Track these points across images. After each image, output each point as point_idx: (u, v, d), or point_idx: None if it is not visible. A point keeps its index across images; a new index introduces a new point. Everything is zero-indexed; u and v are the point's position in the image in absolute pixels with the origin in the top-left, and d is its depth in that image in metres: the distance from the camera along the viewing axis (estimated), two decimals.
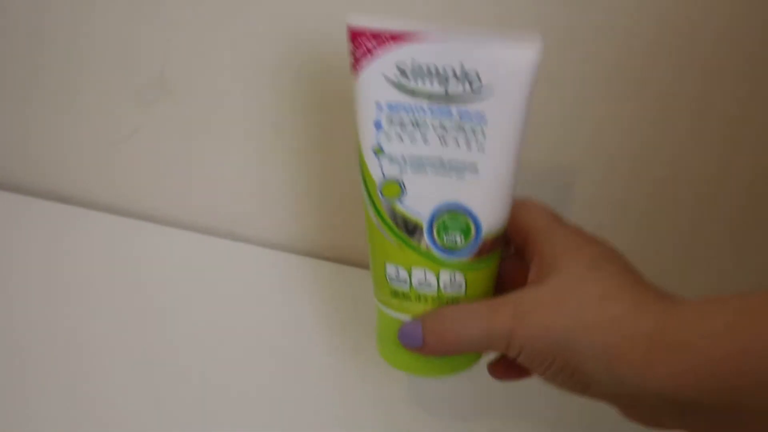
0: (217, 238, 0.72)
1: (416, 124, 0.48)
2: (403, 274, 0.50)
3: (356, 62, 0.47)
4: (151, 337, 0.60)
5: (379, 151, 0.48)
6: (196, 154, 0.69)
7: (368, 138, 0.48)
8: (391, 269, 0.50)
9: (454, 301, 0.50)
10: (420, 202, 0.49)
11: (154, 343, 0.59)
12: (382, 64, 0.47)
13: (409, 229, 0.49)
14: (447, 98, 0.47)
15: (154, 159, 0.70)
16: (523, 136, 0.48)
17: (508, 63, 0.45)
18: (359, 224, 0.50)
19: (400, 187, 0.49)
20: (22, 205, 0.69)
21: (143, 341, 0.60)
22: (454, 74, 0.46)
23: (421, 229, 0.49)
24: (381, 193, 0.49)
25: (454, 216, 0.48)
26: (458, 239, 0.49)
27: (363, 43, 0.47)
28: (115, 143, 0.68)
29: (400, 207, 0.49)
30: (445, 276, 0.49)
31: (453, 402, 0.63)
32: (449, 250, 0.49)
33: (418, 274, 0.49)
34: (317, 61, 0.63)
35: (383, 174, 0.49)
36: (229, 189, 0.71)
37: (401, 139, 0.48)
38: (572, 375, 0.44)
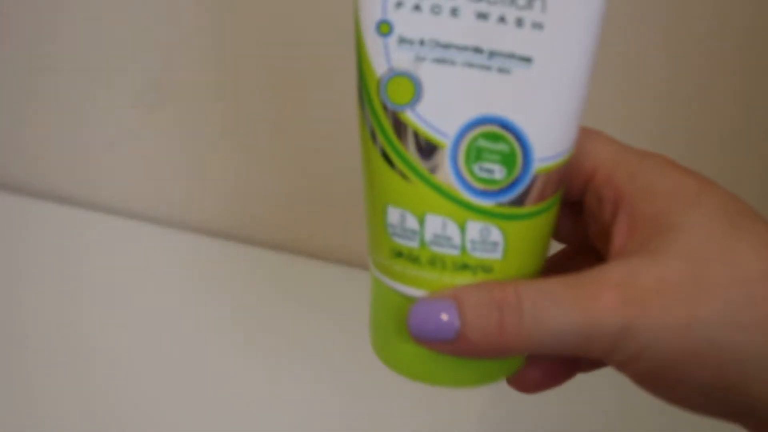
0: (217, 238, 0.72)
1: None
2: (412, 222, 0.33)
3: None
4: (149, 337, 0.60)
5: (385, 29, 0.32)
6: (195, 155, 0.70)
7: (370, 7, 0.32)
8: (393, 215, 0.33)
9: (484, 270, 0.32)
10: (442, 111, 0.32)
11: (151, 343, 0.60)
12: None
13: (424, 151, 0.32)
14: None
15: (155, 159, 0.70)
16: (605, 12, 0.31)
17: None
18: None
19: (414, 87, 0.32)
20: (21, 206, 0.71)
21: (141, 341, 0.60)
22: None
23: (443, 152, 0.32)
24: (385, 95, 0.32)
25: (492, 135, 0.32)
26: (497, 171, 0.32)
27: None
28: (110, 146, 0.70)
29: (411, 118, 0.32)
30: (474, 228, 0.32)
31: (461, 403, 0.58)
32: (483, 188, 0.32)
33: (433, 224, 0.33)
34: (318, 60, 0.63)
35: (389, 65, 0.32)
36: (230, 189, 0.71)
37: (419, 10, 0.31)
38: (725, 396, 0.29)
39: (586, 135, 0.33)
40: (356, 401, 0.58)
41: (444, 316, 0.31)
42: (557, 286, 0.30)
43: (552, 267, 0.35)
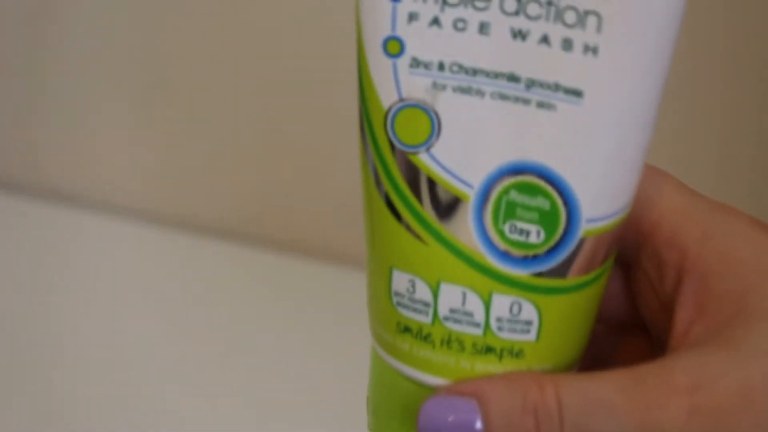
0: (218, 238, 0.71)
1: None
2: (423, 291, 0.26)
3: None
4: (149, 337, 0.60)
5: (394, 48, 0.25)
6: (197, 154, 0.69)
7: (376, 21, 0.25)
8: (400, 281, 0.26)
9: (513, 354, 0.26)
10: (466, 154, 0.25)
11: (151, 342, 0.59)
12: None
13: (441, 204, 0.25)
14: None
15: (156, 159, 0.70)
16: (678, 35, 0.24)
17: None
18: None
19: (431, 122, 0.25)
20: (22, 205, 0.71)
21: (141, 341, 0.60)
22: None
23: (465, 206, 0.25)
24: (393, 132, 0.25)
25: (529, 187, 0.25)
26: (533, 233, 0.25)
27: None
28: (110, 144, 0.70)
29: (426, 162, 0.25)
30: (501, 303, 0.25)
31: None
32: (514, 253, 0.25)
33: (450, 295, 0.26)
34: (319, 60, 0.64)
35: (399, 94, 0.25)
36: (231, 188, 0.71)
37: (438, 25, 0.24)
38: None
39: (646, 176, 0.26)
40: (355, 401, 0.55)
41: (464, 419, 0.24)
42: (609, 388, 0.24)
43: (590, 347, 0.28)
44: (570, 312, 0.26)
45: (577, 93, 0.24)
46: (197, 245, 0.69)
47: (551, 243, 0.25)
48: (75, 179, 0.72)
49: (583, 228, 0.25)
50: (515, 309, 0.26)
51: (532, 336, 0.26)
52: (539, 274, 0.25)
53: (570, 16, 0.24)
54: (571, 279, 0.25)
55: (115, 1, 0.65)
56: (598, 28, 0.24)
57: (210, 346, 0.61)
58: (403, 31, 0.25)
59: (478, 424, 0.24)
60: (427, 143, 0.25)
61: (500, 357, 0.26)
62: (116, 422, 0.55)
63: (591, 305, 0.26)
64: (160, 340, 0.60)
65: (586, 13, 0.24)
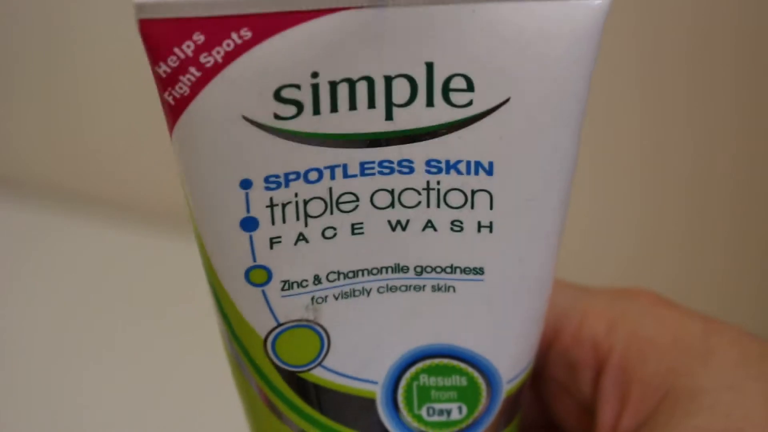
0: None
1: (334, 203, 0.20)
2: None
3: (174, 95, 0.19)
4: (149, 337, 0.57)
5: (259, 277, 0.21)
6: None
7: (232, 253, 0.21)
8: None
9: None
10: (364, 355, 0.22)
11: (151, 342, 0.57)
12: (236, 89, 0.19)
13: (351, 411, 0.23)
14: (398, 137, 0.20)
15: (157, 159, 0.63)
16: (568, 191, 0.22)
17: (538, 33, 0.19)
18: None
19: (318, 338, 0.22)
20: (22, 205, 0.68)
21: (138, 342, 0.57)
22: (410, 82, 0.19)
23: (375, 404, 0.22)
24: (277, 358, 0.22)
25: (439, 368, 0.22)
26: (455, 410, 0.23)
27: (184, 48, 0.18)
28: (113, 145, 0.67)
29: (321, 375, 0.22)
30: None
31: None
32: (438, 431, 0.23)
33: None
34: None
35: (276, 320, 0.21)
36: None
37: (305, 241, 0.21)
38: None
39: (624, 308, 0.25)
40: None
41: None
42: None
43: None
44: None
45: (477, 270, 0.21)
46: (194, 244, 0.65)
47: (475, 415, 0.23)
48: (77, 178, 0.69)
49: (505, 391, 0.23)
50: None
51: None
52: None
53: (456, 198, 0.21)
54: None
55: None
56: (491, 205, 0.21)
57: (210, 346, 0.57)
58: (266, 258, 0.21)
59: None
60: (319, 358, 0.22)
61: None
62: (118, 423, 0.53)
63: None
64: (160, 340, 0.58)
65: (474, 192, 0.21)
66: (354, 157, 0.20)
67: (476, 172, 0.20)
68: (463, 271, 0.21)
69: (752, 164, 0.50)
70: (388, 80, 0.19)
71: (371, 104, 0.20)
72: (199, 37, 0.18)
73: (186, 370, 0.56)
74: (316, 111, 0.19)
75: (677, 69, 0.49)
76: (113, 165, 0.67)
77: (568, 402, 0.26)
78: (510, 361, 0.23)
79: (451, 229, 0.21)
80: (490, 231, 0.21)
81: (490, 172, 0.20)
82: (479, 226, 0.21)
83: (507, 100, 0.20)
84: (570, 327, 0.25)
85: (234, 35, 0.18)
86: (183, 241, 0.62)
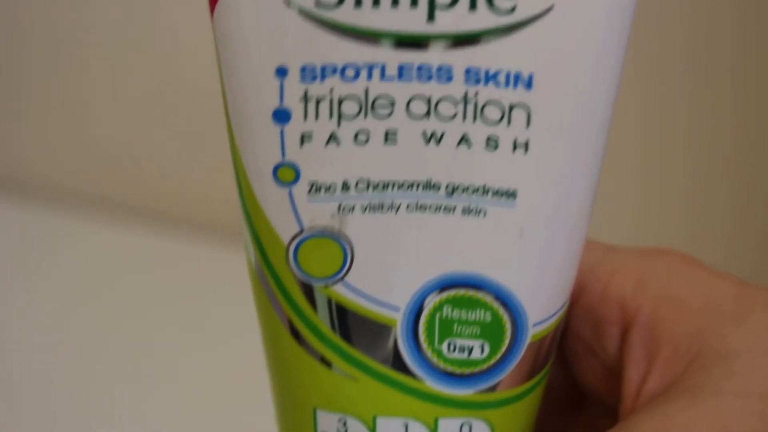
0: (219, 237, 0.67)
1: (369, 106, 0.20)
2: (358, 429, 0.22)
3: None
4: (146, 337, 0.57)
5: (287, 175, 0.21)
6: (201, 155, 0.66)
7: (261, 147, 0.21)
8: (327, 422, 0.23)
9: None
10: (386, 276, 0.21)
11: (151, 342, 0.57)
12: None
13: (366, 335, 0.22)
14: (439, 40, 0.19)
15: (158, 159, 0.67)
16: (609, 120, 0.21)
17: None
18: None
19: (342, 250, 0.21)
20: (23, 204, 0.68)
21: (138, 342, 0.57)
22: None
23: (394, 332, 0.22)
24: (298, 268, 0.21)
25: (465, 300, 0.22)
26: (477, 348, 0.22)
27: None
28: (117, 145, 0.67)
29: (342, 293, 0.21)
30: (450, 427, 0.22)
31: None
32: (458, 372, 0.22)
33: (390, 430, 0.22)
34: None
35: (301, 225, 0.21)
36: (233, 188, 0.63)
37: (336, 142, 0.20)
38: None
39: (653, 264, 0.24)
40: None
41: None
42: None
43: None
44: (522, 420, 0.23)
45: (510, 194, 0.21)
46: (204, 243, 0.66)
47: (498, 356, 0.22)
48: (79, 178, 0.69)
49: (530, 334, 0.22)
50: (465, 430, 0.23)
51: None
52: (487, 390, 0.22)
53: (492, 113, 0.20)
54: (521, 387, 0.23)
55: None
56: (528, 122, 0.20)
57: (210, 347, 0.58)
58: (295, 156, 0.21)
59: None
60: (341, 273, 0.21)
61: None
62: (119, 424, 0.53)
63: (537, 406, 0.24)
64: (160, 340, 0.57)
65: (512, 107, 0.20)
66: (393, 57, 0.20)
67: (515, 85, 0.20)
68: (496, 193, 0.21)
69: (752, 164, 0.50)
70: None
71: (413, 3, 0.19)
72: None
73: (186, 370, 0.55)
74: (358, 3, 0.19)
75: (677, 69, 0.49)
76: (113, 165, 0.67)
77: (592, 362, 0.25)
78: (538, 300, 0.22)
79: (486, 146, 0.20)
80: (526, 151, 0.20)
81: (529, 85, 0.20)
82: (515, 145, 0.20)
83: (551, 8, 0.19)
84: (597, 284, 0.24)
85: None
86: (183, 241, 0.65)
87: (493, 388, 0.22)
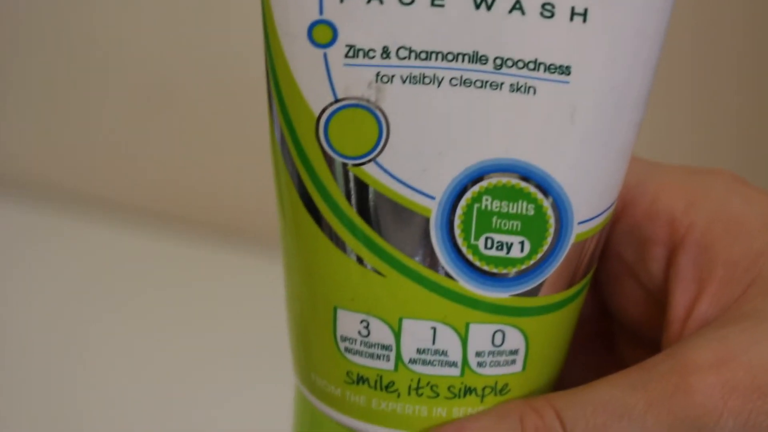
0: (222, 237, 0.68)
1: None
2: (381, 331, 0.21)
3: None
4: (151, 341, 0.57)
5: (323, 35, 0.19)
6: (201, 154, 0.67)
7: (295, 3, 0.19)
8: (348, 322, 0.21)
9: (497, 392, 0.21)
10: (422, 159, 0.20)
11: (151, 342, 0.57)
12: None
13: (399, 225, 0.20)
14: None
15: (158, 159, 0.67)
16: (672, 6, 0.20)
17: None
18: None
19: (377, 125, 0.19)
20: (24, 204, 0.68)
21: (138, 341, 0.57)
22: None
23: (428, 223, 0.20)
24: (328, 142, 0.20)
25: (507, 190, 0.20)
26: (516, 246, 0.20)
27: None
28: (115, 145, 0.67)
29: (374, 174, 0.20)
30: (481, 334, 0.21)
31: None
32: (494, 272, 0.20)
33: (417, 332, 0.21)
34: None
35: (334, 93, 0.19)
36: (234, 188, 0.69)
37: (379, 1, 0.19)
38: None
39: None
40: None
41: None
42: (615, 392, 0.19)
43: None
44: (557, 333, 0.21)
45: (563, 70, 0.19)
46: (202, 243, 0.66)
47: (538, 255, 0.20)
48: (79, 178, 0.68)
49: (575, 233, 0.20)
50: (498, 339, 0.21)
51: (518, 367, 0.21)
52: (524, 294, 0.21)
53: None
54: (560, 294, 0.21)
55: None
56: None
57: (210, 346, 0.58)
58: (333, 12, 0.19)
59: None
60: (374, 151, 0.20)
61: (482, 397, 0.21)
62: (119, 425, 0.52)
63: (574, 321, 0.22)
64: (160, 340, 0.57)
65: None
66: None
67: None
68: (548, 68, 0.19)
69: (753, 164, 0.50)
70: None
71: None
72: None
73: (186, 370, 0.55)
74: None
75: (677, 68, 0.49)
76: (113, 165, 0.67)
77: (631, 287, 0.23)
78: (585, 195, 0.20)
79: (541, 14, 0.19)
80: (584, 20, 0.19)
81: None
82: (572, 13, 0.19)
83: None
84: (642, 200, 0.22)
85: None
86: (183, 241, 0.65)
87: (530, 293, 0.21)
